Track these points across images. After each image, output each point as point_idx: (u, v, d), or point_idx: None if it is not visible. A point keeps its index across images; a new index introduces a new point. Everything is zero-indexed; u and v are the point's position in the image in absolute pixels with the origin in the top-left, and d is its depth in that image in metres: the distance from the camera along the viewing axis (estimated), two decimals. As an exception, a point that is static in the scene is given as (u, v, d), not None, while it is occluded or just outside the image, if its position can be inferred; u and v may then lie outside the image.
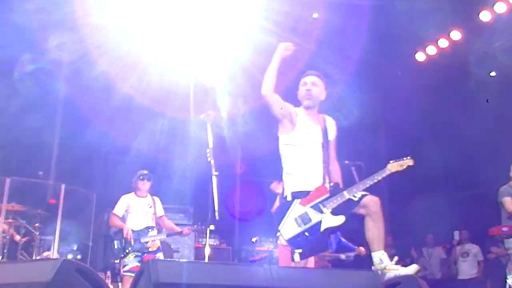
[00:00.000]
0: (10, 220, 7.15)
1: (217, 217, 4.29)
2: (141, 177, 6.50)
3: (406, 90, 12.03)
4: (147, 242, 6.27)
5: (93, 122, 10.42)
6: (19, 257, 7.06)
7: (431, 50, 11.16)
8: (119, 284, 6.44)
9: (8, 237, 7.13)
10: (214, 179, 4.28)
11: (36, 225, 7.34)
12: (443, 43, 10.85)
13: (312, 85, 4.20)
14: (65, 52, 10.26)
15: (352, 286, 2.97)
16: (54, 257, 7.32)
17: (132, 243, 6.18)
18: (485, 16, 9.76)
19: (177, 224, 7.28)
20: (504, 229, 6.04)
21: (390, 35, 11.48)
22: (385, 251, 3.79)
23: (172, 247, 8.28)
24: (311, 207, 3.83)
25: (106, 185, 10.30)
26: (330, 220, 3.82)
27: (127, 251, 6.16)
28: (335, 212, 3.84)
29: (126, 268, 6.12)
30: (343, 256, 7.14)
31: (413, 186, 12.55)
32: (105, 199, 9.39)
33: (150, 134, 11.07)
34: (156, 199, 6.68)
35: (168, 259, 6.39)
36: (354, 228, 6.65)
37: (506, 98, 10.16)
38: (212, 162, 4.38)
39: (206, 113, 4.65)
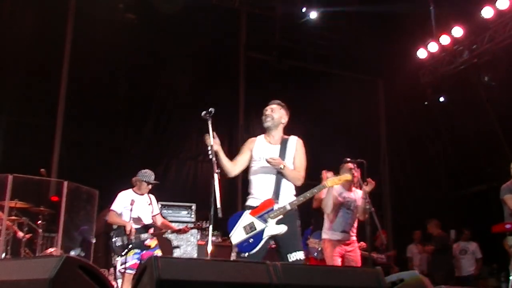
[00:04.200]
0: (13, 217, 7.16)
1: (219, 215, 4.29)
2: (149, 182, 6.46)
3: (407, 88, 12.04)
4: (146, 240, 6.24)
5: (96, 118, 10.45)
6: (22, 254, 7.07)
7: (433, 47, 11.14)
8: (118, 281, 6.41)
9: (11, 234, 7.15)
10: (216, 177, 4.28)
11: (39, 222, 7.35)
12: (445, 39, 10.83)
13: (271, 111, 4.75)
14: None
15: (356, 283, 2.97)
16: (57, 254, 7.34)
17: (133, 240, 6.14)
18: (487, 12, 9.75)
19: (179, 222, 7.26)
20: (507, 226, 6.04)
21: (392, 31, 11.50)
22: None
23: (173, 244, 8.30)
24: (258, 217, 4.31)
25: (109, 182, 10.31)
26: (273, 229, 4.33)
27: (127, 248, 6.11)
28: (279, 222, 4.34)
29: (126, 265, 6.04)
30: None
31: (417, 183, 12.58)
32: (108, 196, 9.41)
33: (153, 131, 11.09)
34: (152, 196, 6.64)
35: (171, 257, 6.36)
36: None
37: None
38: (214, 159, 4.37)
39: (208, 110, 4.64)
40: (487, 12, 9.76)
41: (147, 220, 6.42)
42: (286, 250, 4.38)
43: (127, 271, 6.00)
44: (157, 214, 6.64)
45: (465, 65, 10.84)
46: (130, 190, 6.52)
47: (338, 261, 5.85)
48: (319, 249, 6.80)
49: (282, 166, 4.43)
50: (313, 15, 11.46)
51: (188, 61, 11.14)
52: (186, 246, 8.41)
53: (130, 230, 6.12)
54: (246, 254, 4.25)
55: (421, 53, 11.36)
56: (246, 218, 4.39)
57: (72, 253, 7.66)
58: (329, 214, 5.98)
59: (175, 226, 6.87)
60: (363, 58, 12.01)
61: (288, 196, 4.48)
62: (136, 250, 6.14)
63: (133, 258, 6.11)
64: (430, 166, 12.57)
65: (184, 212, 8.80)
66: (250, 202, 4.52)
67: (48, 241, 7.69)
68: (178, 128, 11.19)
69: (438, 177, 12.52)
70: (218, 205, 4.28)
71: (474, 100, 11.09)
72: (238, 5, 11.95)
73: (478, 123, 11.16)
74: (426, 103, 11.76)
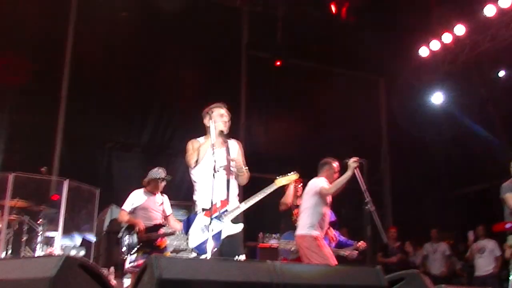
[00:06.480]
0: (13, 216, 7.16)
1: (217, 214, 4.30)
2: (162, 180, 6.48)
3: (409, 86, 12.04)
4: (156, 240, 6.20)
5: (97, 117, 10.47)
6: (22, 253, 7.07)
7: (435, 45, 11.11)
8: (124, 280, 6.40)
9: (12, 233, 7.15)
10: (217, 175, 4.27)
11: (40, 221, 7.35)
12: (447, 38, 10.80)
13: (227, 118, 4.71)
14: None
15: (356, 282, 2.97)
16: (57, 253, 7.34)
17: (143, 239, 6.12)
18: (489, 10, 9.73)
19: (180, 220, 7.24)
20: (507, 225, 6.02)
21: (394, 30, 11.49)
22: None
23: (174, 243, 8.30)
24: (214, 217, 4.25)
25: (110, 181, 10.32)
26: (230, 228, 4.37)
27: (137, 247, 6.09)
28: (235, 221, 4.42)
29: (134, 264, 6.01)
30: (343, 253, 7.14)
31: (418, 181, 12.58)
32: (108, 195, 9.42)
33: (154, 129, 11.10)
34: (165, 197, 6.64)
35: (171, 256, 6.32)
36: (353, 225, 6.70)
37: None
38: (215, 158, 4.36)
39: (209, 108, 4.66)
40: (489, 11, 9.74)
41: (158, 220, 6.39)
42: (232, 251, 4.34)
43: (136, 269, 5.95)
44: (169, 215, 6.63)
45: (467, 63, 10.83)
46: (142, 189, 6.51)
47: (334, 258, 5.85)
48: (292, 249, 6.79)
49: (244, 168, 4.54)
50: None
51: (189, 60, 11.13)
52: (186, 245, 8.40)
53: (140, 229, 6.11)
54: (206, 255, 4.15)
55: (423, 51, 11.33)
56: (201, 219, 4.37)
57: (73, 252, 7.66)
58: (314, 212, 5.93)
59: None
60: (365, 56, 12.00)
61: (235, 197, 4.57)
62: (146, 250, 6.08)
63: (142, 257, 6.02)
64: (431, 164, 12.57)
65: (185, 211, 8.80)
66: (202, 204, 4.48)
67: (48, 240, 7.69)
68: (179, 127, 11.19)
69: (439, 175, 12.51)
70: (219, 205, 4.30)
71: (475, 98, 11.08)
72: (239, 4, 11.94)
73: (479, 121, 11.15)
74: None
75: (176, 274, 2.53)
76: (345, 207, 9.49)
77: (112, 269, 7.17)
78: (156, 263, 2.51)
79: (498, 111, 10.64)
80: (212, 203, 4.16)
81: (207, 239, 4.15)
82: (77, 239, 8.57)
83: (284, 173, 4.79)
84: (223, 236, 4.32)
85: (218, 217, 4.33)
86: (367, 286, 3.01)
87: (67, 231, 8.03)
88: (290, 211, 7.11)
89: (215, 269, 2.70)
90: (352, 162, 5.48)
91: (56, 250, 7.57)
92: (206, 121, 4.64)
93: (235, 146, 4.74)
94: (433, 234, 10.27)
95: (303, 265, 3.54)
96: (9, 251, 7.02)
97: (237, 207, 4.44)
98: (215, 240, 4.21)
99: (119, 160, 10.64)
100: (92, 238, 8.49)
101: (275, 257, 7.43)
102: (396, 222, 12.28)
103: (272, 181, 4.74)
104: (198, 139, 4.65)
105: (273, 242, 8.93)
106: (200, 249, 4.25)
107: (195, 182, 4.62)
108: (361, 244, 7.11)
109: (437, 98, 11.65)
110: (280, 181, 4.76)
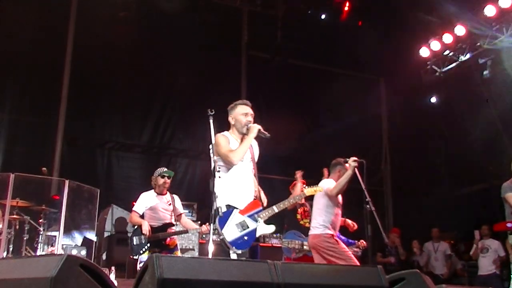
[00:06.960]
0: (14, 216, 7.17)
1: (220, 214, 4.30)
2: (162, 176, 6.47)
3: (409, 86, 12.04)
4: (165, 239, 6.24)
5: (97, 117, 10.48)
6: (24, 253, 7.08)
7: (435, 45, 11.11)
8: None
9: (13, 232, 7.16)
10: (217, 175, 4.27)
11: (41, 221, 7.36)
12: (447, 38, 10.80)
13: (252, 117, 4.67)
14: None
15: (356, 282, 2.97)
16: (58, 253, 7.35)
17: (151, 240, 6.14)
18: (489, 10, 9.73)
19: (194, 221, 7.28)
20: (509, 225, 6.01)
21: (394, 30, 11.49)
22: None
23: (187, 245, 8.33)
24: (248, 216, 4.45)
25: (110, 181, 10.33)
26: (263, 228, 4.52)
27: (145, 247, 6.12)
28: (267, 222, 4.55)
29: (142, 265, 6.03)
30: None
31: (418, 182, 12.58)
32: (108, 195, 9.43)
33: (154, 129, 11.12)
34: (175, 197, 6.65)
35: (172, 255, 6.32)
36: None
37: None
38: (215, 158, 4.36)
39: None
40: (489, 11, 9.73)
41: (167, 220, 6.40)
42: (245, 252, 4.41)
43: None
44: (180, 214, 6.62)
45: (467, 63, 10.83)
46: (152, 191, 6.53)
47: (354, 258, 5.85)
48: (303, 247, 6.80)
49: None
50: None
51: (189, 60, 11.15)
52: (188, 245, 8.42)
53: (147, 230, 6.12)
54: (240, 251, 4.31)
55: (423, 52, 11.33)
56: (237, 216, 4.42)
57: (73, 252, 7.67)
58: (325, 213, 5.95)
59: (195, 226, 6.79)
60: (365, 56, 12.00)
61: (263, 199, 4.71)
62: (155, 250, 6.10)
63: None
64: (432, 164, 12.57)
65: (186, 211, 8.80)
66: (235, 202, 4.47)
67: (49, 240, 7.70)
68: (179, 127, 11.20)
69: (439, 176, 12.51)
70: (219, 204, 4.29)
71: (475, 98, 11.07)
72: (239, 4, 11.94)
73: (479, 121, 11.14)
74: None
75: (177, 273, 2.53)
76: (345, 207, 9.50)
77: (113, 268, 7.18)
78: (157, 263, 2.51)
79: (498, 111, 10.63)
80: (214, 201, 4.15)
81: (242, 236, 4.35)
82: (78, 239, 8.59)
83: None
84: (257, 235, 4.48)
85: (253, 217, 4.46)
86: (368, 286, 3.01)
87: (68, 231, 8.04)
88: (295, 209, 7.18)
89: (216, 268, 2.70)
90: (352, 161, 5.51)
91: (57, 249, 7.58)
92: (231, 118, 4.65)
93: (256, 147, 4.80)
94: (434, 233, 10.25)
95: (304, 265, 3.54)
96: (10, 251, 7.04)
97: (270, 209, 4.57)
98: (250, 238, 4.39)
99: (119, 160, 10.65)
100: (93, 237, 8.50)
101: (276, 256, 7.43)
102: (396, 222, 12.30)
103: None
104: (224, 133, 4.60)
105: (274, 241, 8.95)
106: (236, 244, 4.33)
107: (219, 177, 4.46)
108: (362, 242, 7.13)
109: (437, 98, 11.66)
110: (309, 191, 5.16)
